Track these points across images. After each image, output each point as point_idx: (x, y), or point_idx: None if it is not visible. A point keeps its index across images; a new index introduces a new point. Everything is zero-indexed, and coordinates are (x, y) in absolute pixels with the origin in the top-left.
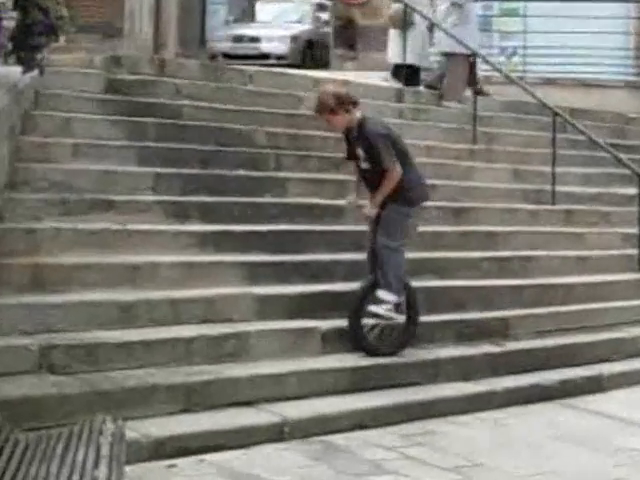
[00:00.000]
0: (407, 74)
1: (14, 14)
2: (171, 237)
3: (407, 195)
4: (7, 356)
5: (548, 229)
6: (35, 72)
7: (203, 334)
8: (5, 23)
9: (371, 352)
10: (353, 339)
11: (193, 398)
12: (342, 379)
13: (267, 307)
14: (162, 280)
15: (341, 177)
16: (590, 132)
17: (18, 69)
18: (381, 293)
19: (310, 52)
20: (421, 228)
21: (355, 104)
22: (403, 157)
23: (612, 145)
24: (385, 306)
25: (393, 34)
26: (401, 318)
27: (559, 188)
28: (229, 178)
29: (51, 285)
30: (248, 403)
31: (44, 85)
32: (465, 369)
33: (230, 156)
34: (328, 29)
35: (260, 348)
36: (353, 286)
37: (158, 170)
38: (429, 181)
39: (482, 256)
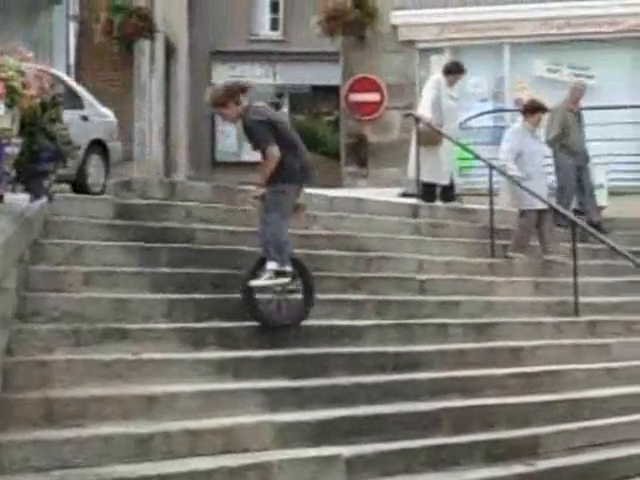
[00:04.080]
0: (426, 191)
1: (18, 141)
2: (188, 365)
3: (285, 175)
4: None
5: (573, 341)
6: (44, 199)
7: (223, 465)
8: (8, 150)
9: (268, 324)
10: (249, 315)
11: None
12: None
13: (288, 435)
14: (180, 410)
15: (360, 297)
16: (610, 240)
17: (26, 197)
18: (267, 264)
19: None
20: (444, 346)
21: (243, 91)
22: (283, 141)
23: (634, 252)
24: (265, 275)
25: (419, 151)
26: (285, 280)
27: (582, 299)
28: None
29: (64, 419)
30: None
31: (53, 212)
32: None
33: None
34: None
35: (283, 478)
36: (378, 409)
37: (172, 296)
38: (450, 297)
39: (508, 372)
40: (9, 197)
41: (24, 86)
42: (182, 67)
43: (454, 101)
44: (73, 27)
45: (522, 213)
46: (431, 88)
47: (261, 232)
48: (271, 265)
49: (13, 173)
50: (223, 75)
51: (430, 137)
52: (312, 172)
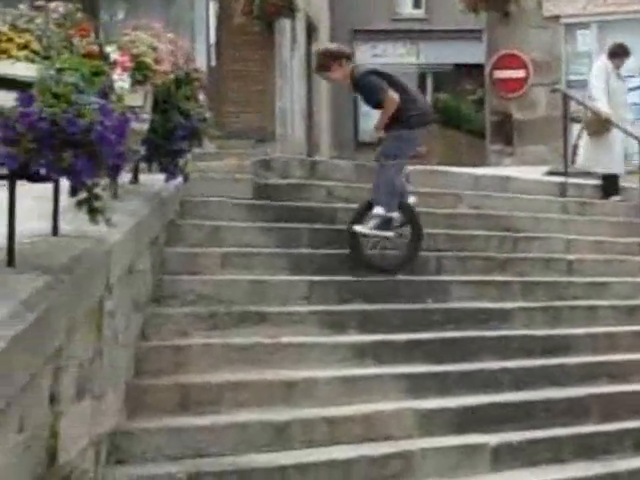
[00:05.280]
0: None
1: (147, 116)
2: (328, 350)
3: (402, 120)
4: None
5: None
6: (179, 179)
7: (363, 455)
8: (136, 126)
9: (371, 268)
10: (351, 257)
11: None
12: None
13: (431, 422)
14: (318, 397)
15: (506, 278)
16: None
17: (160, 177)
18: (374, 208)
19: None
20: (593, 329)
21: (348, 57)
22: (397, 89)
23: None
24: (370, 223)
25: (587, 140)
26: (388, 234)
27: None
28: (387, 284)
29: (200, 406)
30: None
31: (190, 193)
32: None
33: None
34: None
35: (425, 467)
36: (525, 395)
37: (312, 278)
38: (599, 278)
39: None
40: (144, 177)
41: (156, 62)
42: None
43: (622, 82)
44: (213, 7)
45: None
46: (599, 76)
47: (377, 175)
48: (378, 210)
49: (142, 150)
50: (366, 54)
51: (599, 126)
52: (430, 117)
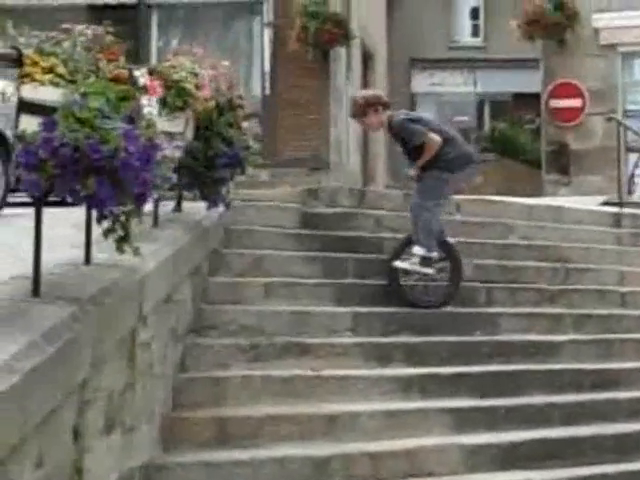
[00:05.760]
0: None
1: (180, 144)
2: (372, 383)
3: (440, 163)
4: None
5: None
6: (221, 207)
7: None
8: (168, 153)
9: (412, 304)
10: (391, 292)
11: None
12: None
13: (477, 458)
14: (361, 431)
15: (556, 310)
16: None
17: (202, 205)
18: (414, 248)
19: None
20: None
21: (384, 105)
22: (439, 134)
23: None
24: (410, 260)
25: None
26: (428, 270)
27: None
28: (435, 316)
29: (237, 440)
30: None
31: (236, 221)
32: None
33: None
34: None
35: None
36: (573, 431)
37: (357, 309)
38: None
39: None
40: (188, 205)
41: (197, 88)
42: (380, 75)
43: None
44: (268, 34)
45: None
46: None
47: (418, 216)
48: (418, 250)
49: (174, 178)
50: (422, 83)
51: None
52: (472, 158)
